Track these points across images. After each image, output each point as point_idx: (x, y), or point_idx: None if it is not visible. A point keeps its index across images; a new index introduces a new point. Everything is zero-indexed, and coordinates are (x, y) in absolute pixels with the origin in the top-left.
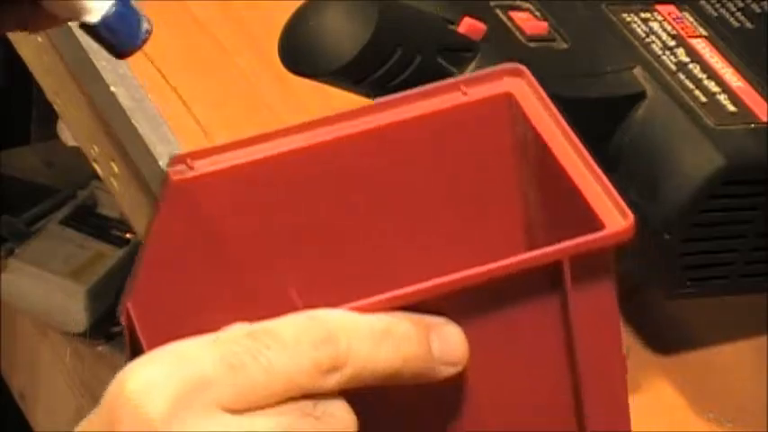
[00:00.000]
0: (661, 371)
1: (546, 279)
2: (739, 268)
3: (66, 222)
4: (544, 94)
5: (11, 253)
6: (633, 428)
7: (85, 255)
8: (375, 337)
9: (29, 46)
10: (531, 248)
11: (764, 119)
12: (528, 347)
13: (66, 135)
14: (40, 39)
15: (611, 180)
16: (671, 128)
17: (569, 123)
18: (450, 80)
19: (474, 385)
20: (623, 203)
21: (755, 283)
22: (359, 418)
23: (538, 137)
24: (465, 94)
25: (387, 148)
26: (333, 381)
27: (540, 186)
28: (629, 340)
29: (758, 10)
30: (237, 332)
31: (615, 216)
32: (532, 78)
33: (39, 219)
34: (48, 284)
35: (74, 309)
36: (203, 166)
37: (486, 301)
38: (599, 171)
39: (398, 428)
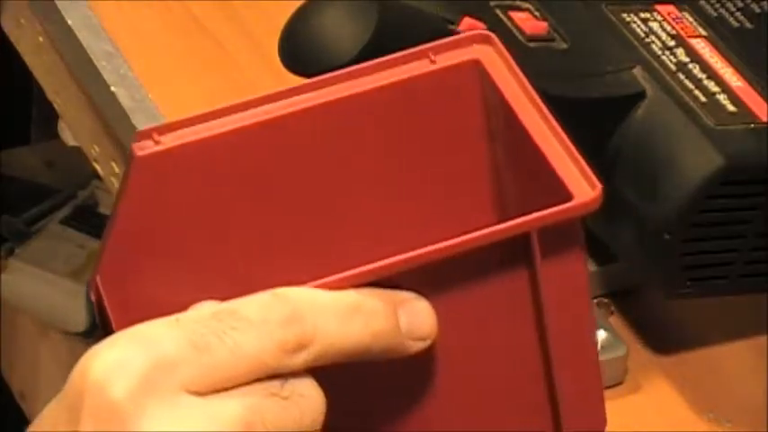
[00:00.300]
0: (661, 371)
1: (515, 252)
2: (739, 268)
3: (66, 222)
4: (512, 62)
5: (11, 253)
6: (633, 428)
7: (86, 255)
8: (342, 314)
9: (29, 46)
10: (502, 221)
11: (764, 119)
12: (498, 322)
13: (67, 135)
14: (40, 38)
15: (611, 180)
16: (670, 128)
17: (569, 123)
18: (417, 48)
19: (443, 361)
20: (591, 173)
21: (755, 283)
22: (328, 396)
23: (506, 105)
24: (433, 61)
25: (355, 117)
26: (300, 359)
27: (509, 156)
28: (629, 340)
29: (758, 10)
30: (202, 312)
31: (583, 186)
32: (501, 45)
33: (39, 219)
34: (48, 284)
35: (74, 309)
36: (170, 141)
37: (455, 275)
38: (567, 141)
39: (368, 405)
